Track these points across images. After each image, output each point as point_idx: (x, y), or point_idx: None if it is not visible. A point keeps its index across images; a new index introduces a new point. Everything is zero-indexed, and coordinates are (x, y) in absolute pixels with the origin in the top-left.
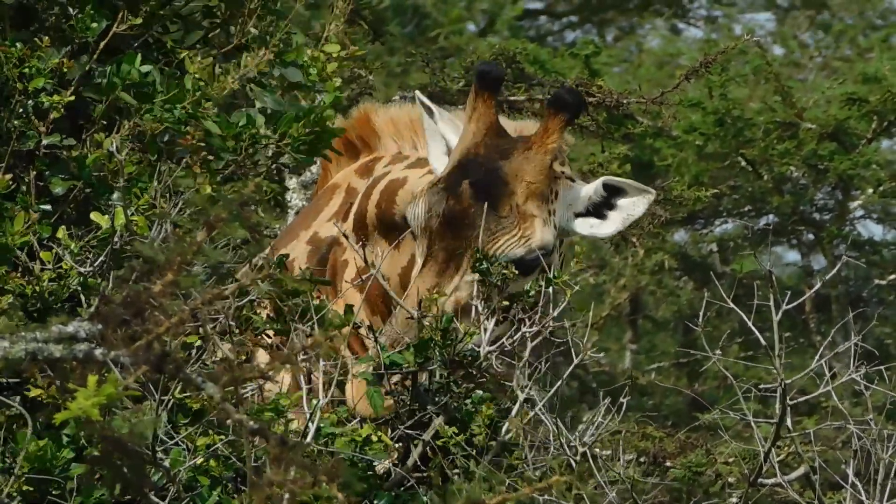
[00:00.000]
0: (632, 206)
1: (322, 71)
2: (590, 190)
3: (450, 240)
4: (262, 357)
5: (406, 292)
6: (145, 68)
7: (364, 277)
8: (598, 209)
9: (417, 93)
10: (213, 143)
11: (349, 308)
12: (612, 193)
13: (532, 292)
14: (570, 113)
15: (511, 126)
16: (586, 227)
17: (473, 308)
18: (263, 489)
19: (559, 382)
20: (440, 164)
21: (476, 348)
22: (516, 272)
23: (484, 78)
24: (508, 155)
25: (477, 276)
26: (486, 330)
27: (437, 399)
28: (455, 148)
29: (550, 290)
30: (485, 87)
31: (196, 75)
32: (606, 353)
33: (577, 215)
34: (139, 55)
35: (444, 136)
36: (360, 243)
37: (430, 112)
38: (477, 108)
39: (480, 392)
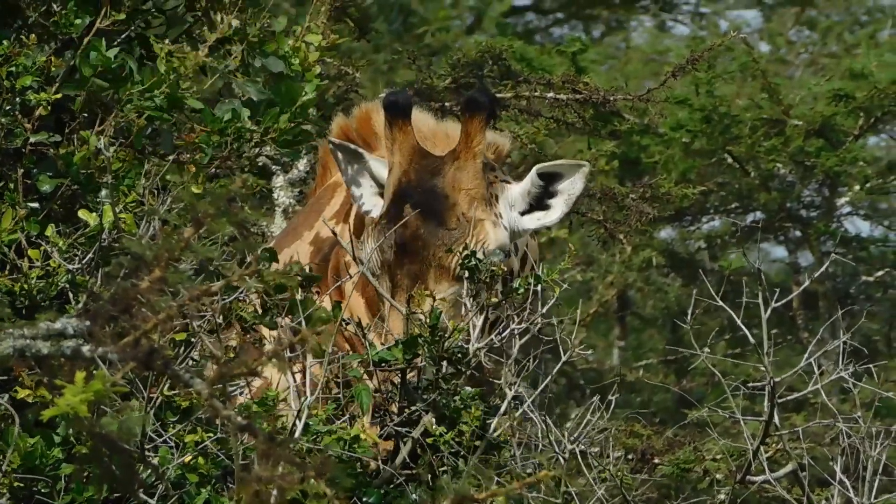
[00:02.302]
0: (571, 186)
1: (304, 61)
2: (526, 185)
3: (409, 265)
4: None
5: (385, 323)
6: (112, 52)
7: (353, 275)
8: (540, 200)
9: (330, 139)
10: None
11: (338, 305)
12: (549, 180)
13: (521, 289)
14: (485, 112)
15: (442, 128)
16: (534, 221)
17: (462, 305)
18: (252, 486)
19: (547, 379)
20: (373, 206)
21: (464, 345)
22: (504, 268)
23: (393, 107)
24: (440, 171)
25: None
26: (474, 327)
27: (425, 396)
28: (387, 184)
29: (539, 287)
30: (397, 115)
31: (166, 57)
32: (594, 350)
33: (523, 213)
34: (103, 40)
35: (375, 176)
36: (349, 240)
37: (356, 156)
38: (395, 138)
39: (469, 389)
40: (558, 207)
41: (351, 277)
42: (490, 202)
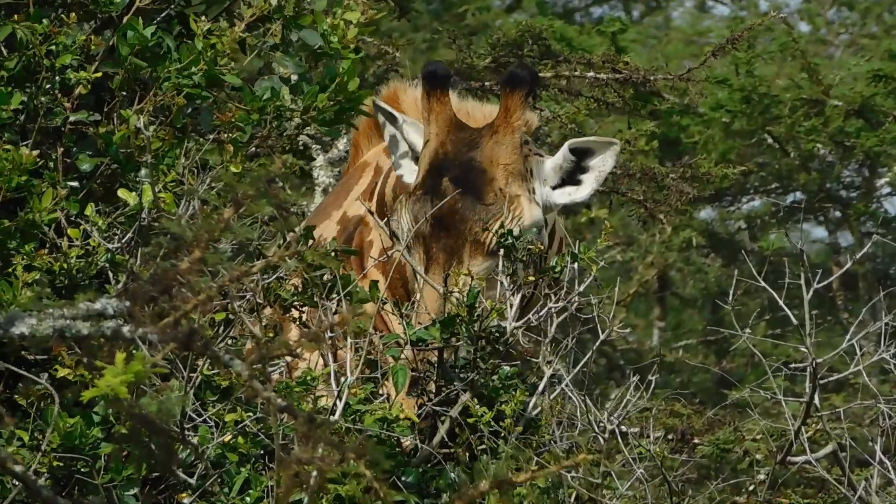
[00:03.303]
0: (602, 163)
1: (343, 38)
2: (558, 159)
3: (445, 239)
4: (293, 333)
5: (417, 299)
6: (148, 31)
7: (390, 253)
8: (572, 175)
9: (376, 99)
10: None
11: (374, 284)
12: (581, 156)
13: (558, 268)
14: (525, 88)
15: (480, 110)
16: (565, 196)
17: (495, 282)
18: (291, 466)
19: (586, 358)
20: (407, 170)
21: (502, 324)
22: (542, 246)
23: (432, 77)
24: (477, 144)
25: (478, 265)
26: (511, 306)
27: (463, 375)
28: (422, 153)
29: (576, 266)
30: (435, 86)
31: (204, 35)
32: (634, 330)
33: (554, 188)
34: (140, 18)
35: (409, 142)
36: (385, 220)
37: (392, 118)
38: (432, 108)
39: (507, 368)
40: (588, 184)
41: (389, 256)
42: (525, 177)
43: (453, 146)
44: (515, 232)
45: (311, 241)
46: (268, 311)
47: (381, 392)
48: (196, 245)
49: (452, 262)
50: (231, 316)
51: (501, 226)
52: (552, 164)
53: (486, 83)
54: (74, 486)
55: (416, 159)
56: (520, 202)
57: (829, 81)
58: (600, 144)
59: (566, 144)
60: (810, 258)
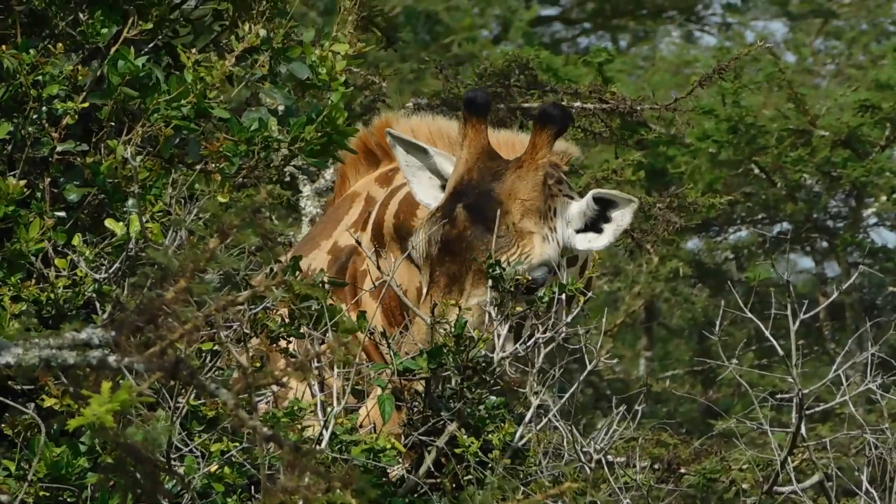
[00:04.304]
0: (621, 218)
1: (331, 70)
2: (583, 205)
3: (449, 264)
4: (280, 364)
5: (408, 325)
6: (140, 61)
7: (377, 284)
8: (595, 223)
9: (389, 130)
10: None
11: (362, 314)
12: (604, 206)
13: (545, 298)
14: (557, 127)
15: (516, 140)
16: (584, 242)
17: (486, 314)
18: (277, 496)
19: (573, 388)
20: (432, 199)
21: (489, 354)
22: (529, 277)
23: (472, 105)
24: (501, 176)
25: (480, 295)
26: (499, 336)
27: (450, 405)
28: (450, 178)
29: (564, 296)
30: (473, 113)
31: (193, 67)
32: (621, 360)
33: (577, 231)
34: (132, 48)
35: (439, 171)
36: (374, 251)
37: (421, 150)
38: (467, 134)
39: (494, 398)
40: (607, 235)
41: (375, 286)
42: (546, 216)
43: (479, 174)
44: (521, 269)
45: (298, 272)
46: (255, 341)
47: (366, 423)
48: (182, 275)
49: (454, 287)
50: (217, 346)
51: (498, 261)
52: (578, 208)
53: None
54: None
55: (445, 188)
56: (531, 239)
57: (815, 111)
58: (621, 199)
59: (590, 193)
60: (797, 288)
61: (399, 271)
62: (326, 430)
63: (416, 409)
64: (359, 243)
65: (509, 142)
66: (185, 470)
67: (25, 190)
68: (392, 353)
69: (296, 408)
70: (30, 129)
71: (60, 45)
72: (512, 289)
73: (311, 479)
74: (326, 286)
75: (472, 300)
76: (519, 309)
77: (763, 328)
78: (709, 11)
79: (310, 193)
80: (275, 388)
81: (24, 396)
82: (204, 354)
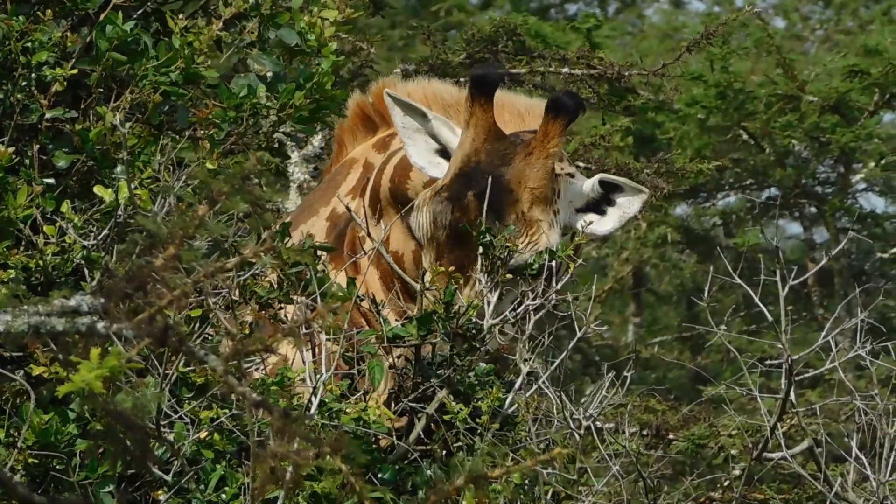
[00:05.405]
0: (628, 205)
1: (320, 36)
2: (587, 187)
3: (458, 252)
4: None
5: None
6: (128, 26)
7: (367, 251)
8: (597, 205)
9: (388, 91)
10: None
11: (352, 281)
12: (609, 190)
13: (535, 265)
14: (569, 116)
15: (522, 104)
16: (586, 223)
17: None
18: (267, 462)
19: (562, 356)
20: (427, 162)
21: (479, 321)
22: (519, 244)
23: (480, 83)
24: (510, 160)
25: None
26: (489, 303)
27: (440, 372)
28: (454, 154)
29: (553, 263)
30: (481, 92)
31: (181, 32)
32: (609, 327)
33: (578, 211)
34: (119, 13)
35: (437, 136)
36: (365, 217)
37: (420, 114)
38: (474, 113)
39: (483, 365)
40: (612, 219)
41: (366, 253)
42: (552, 200)
43: (487, 156)
44: (529, 258)
45: (287, 238)
46: (245, 308)
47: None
48: (171, 242)
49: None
50: (207, 314)
51: (480, 224)
52: (580, 187)
53: (461, 79)
54: (50, 484)
55: (442, 153)
56: (539, 227)
57: (804, 77)
58: (630, 188)
59: (596, 177)
60: (786, 254)
61: (396, 237)
62: (315, 396)
63: (405, 376)
64: (349, 209)
65: (500, 102)
66: (175, 437)
67: (14, 157)
68: (381, 320)
69: (286, 374)
70: (19, 95)
71: (49, 11)
72: (502, 256)
73: (300, 444)
74: (317, 252)
75: (479, 287)
76: (509, 276)
77: (752, 294)
78: None
79: (298, 160)
80: (266, 355)
81: (13, 364)
82: (193, 321)
